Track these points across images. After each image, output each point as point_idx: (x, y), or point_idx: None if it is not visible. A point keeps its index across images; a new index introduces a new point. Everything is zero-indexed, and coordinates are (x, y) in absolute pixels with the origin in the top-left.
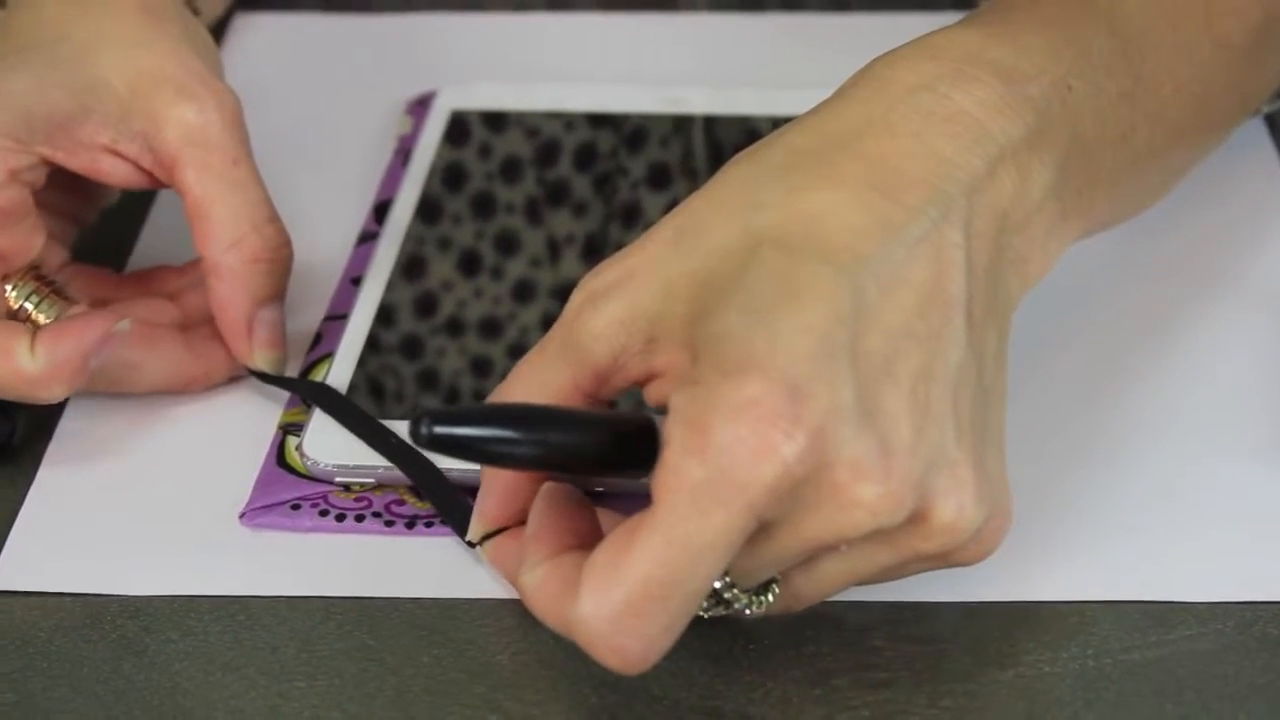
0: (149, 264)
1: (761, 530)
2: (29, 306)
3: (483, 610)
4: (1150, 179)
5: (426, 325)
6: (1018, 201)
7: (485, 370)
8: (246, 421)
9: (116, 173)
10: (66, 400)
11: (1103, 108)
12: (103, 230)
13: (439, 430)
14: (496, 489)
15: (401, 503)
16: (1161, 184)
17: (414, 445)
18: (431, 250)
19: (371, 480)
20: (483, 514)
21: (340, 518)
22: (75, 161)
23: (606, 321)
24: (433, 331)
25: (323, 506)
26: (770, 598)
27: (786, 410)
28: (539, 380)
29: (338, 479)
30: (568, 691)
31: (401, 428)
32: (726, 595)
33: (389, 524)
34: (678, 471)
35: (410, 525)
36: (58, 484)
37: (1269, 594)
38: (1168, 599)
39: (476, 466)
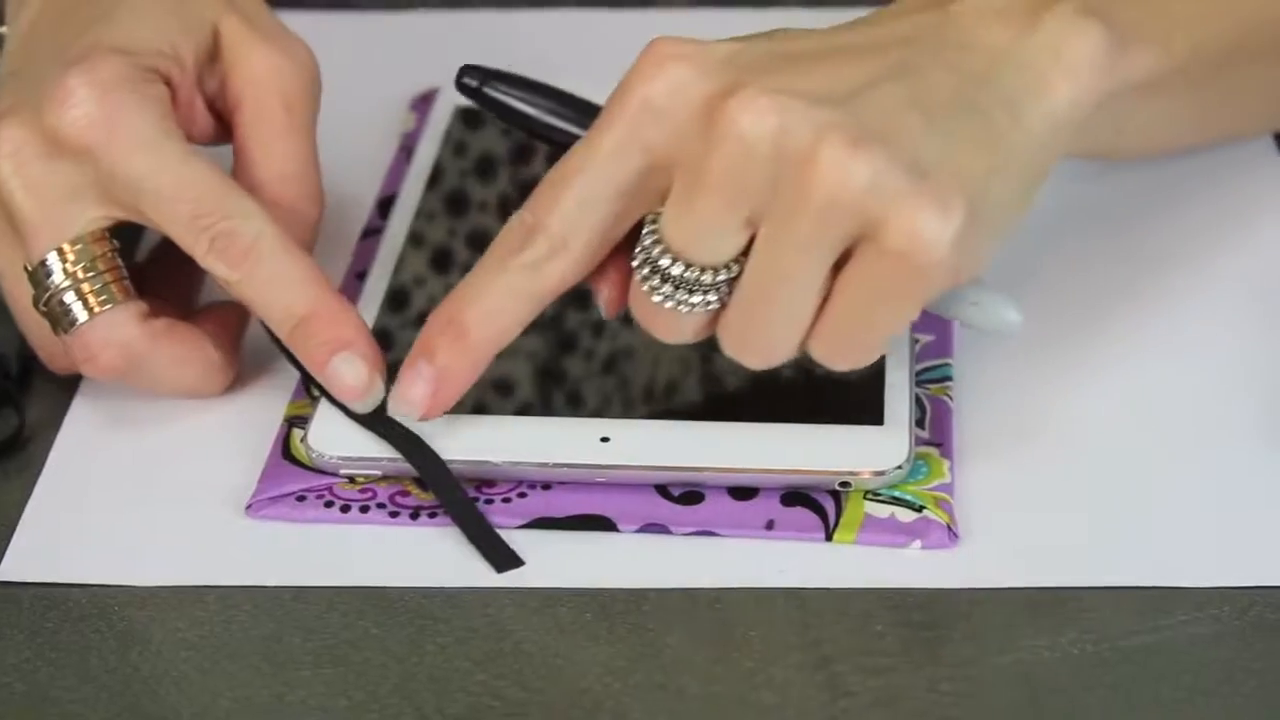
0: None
1: (665, 176)
2: (81, 277)
3: (486, 599)
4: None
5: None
6: None
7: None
8: (252, 414)
9: (200, 119)
10: (74, 394)
11: None
12: None
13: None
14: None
15: (406, 494)
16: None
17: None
18: (434, 245)
19: (376, 472)
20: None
21: (345, 509)
22: (180, 96)
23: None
24: None
25: (328, 498)
26: (713, 298)
27: (687, 50)
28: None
29: (343, 471)
30: (570, 679)
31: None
32: (662, 261)
33: (393, 515)
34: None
35: (414, 516)
36: (65, 477)
37: (1265, 579)
38: (1165, 584)
39: (480, 457)
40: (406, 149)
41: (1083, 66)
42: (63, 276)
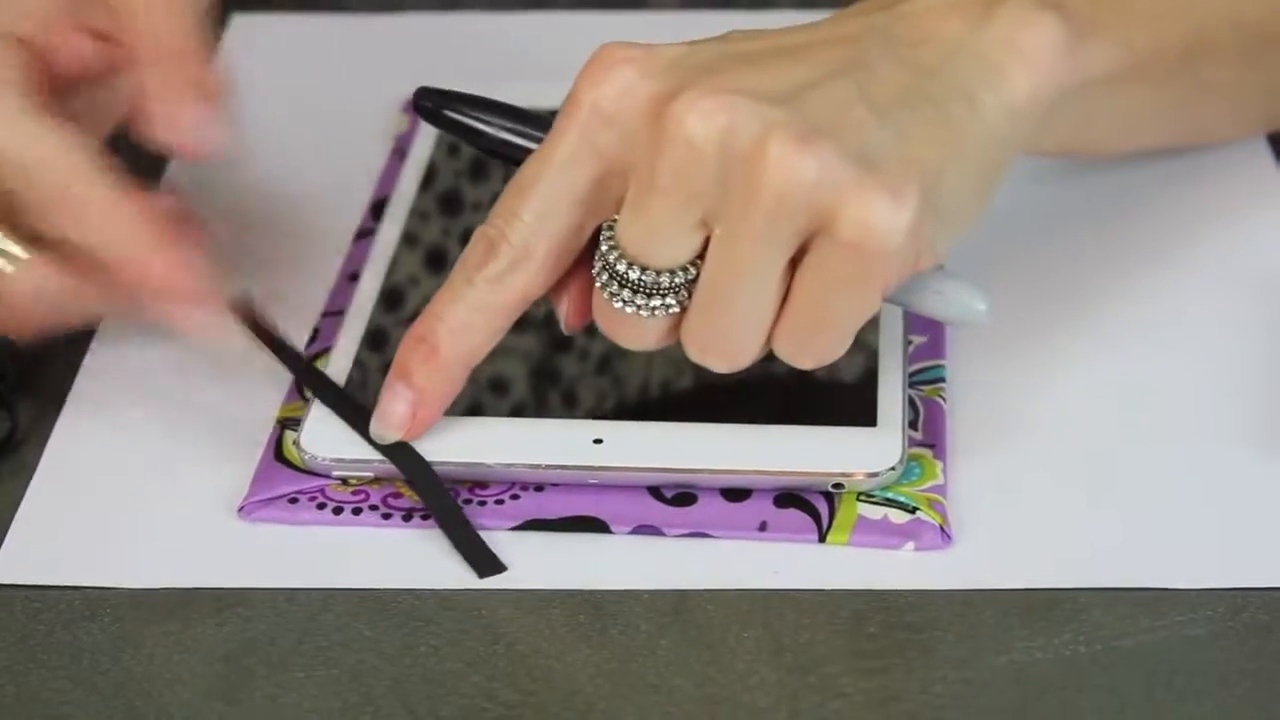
0: None
1: (621, 181)
2: None
3: (479, 601)
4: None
5: None
6: None
7: (478, 366)
8: (245, 416)
9: (85, 52)
10: (67, 395)
11: None
12: None
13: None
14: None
15: (399, 496)
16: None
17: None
18: (428, 246)
19: (369, 474)
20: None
21: (338, 511)
22: (53, 45)
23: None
24: None
25: (320, 500)
26: (672, 301)
27: (633, 53)
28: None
29: (335, 473)
30: (563, 681)
31: None
32: (619, 266)
33: (386, 517)
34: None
35: (407, 518)
36: (58, 478)
37: (1259, 580)
38: (1159, 585)
39: (472, 459)
40: (400, 150)
41: (1039, 56)
42: None
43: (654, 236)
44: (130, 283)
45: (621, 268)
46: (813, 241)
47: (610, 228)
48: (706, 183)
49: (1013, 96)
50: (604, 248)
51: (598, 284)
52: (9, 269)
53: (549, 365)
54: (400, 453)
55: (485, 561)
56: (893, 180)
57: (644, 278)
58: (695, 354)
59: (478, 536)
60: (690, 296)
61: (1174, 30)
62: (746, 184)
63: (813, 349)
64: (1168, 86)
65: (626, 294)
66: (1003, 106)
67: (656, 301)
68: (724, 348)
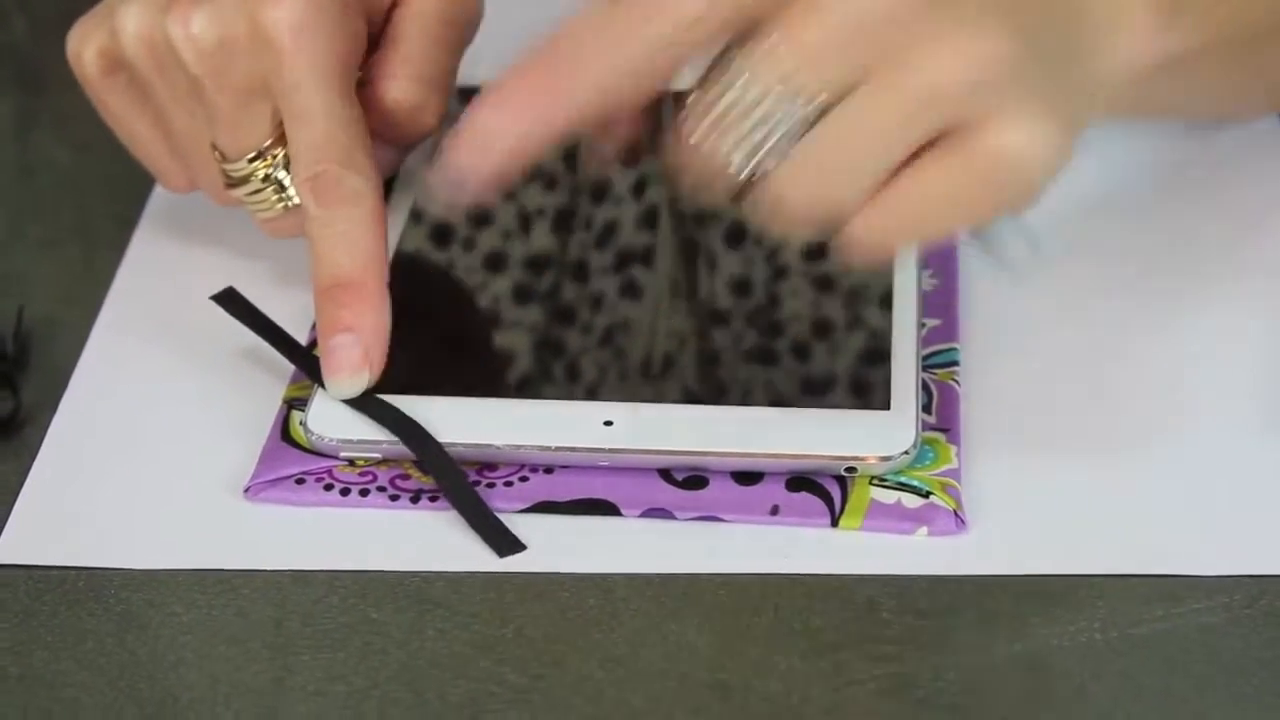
0: (150, 251)
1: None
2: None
3: (487, 584)
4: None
5: (428, 301)
6: None
7: (488, 344)
8: (251, 395)
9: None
10: (71, 374)
11: None
12: (104, 215)
13: None
14: None
15: (406, 477)
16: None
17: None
18: (434, 222)
19: (376, 455)
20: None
21: (345, 492)
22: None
23: None
24: (434, 307)
25: (327, 481)
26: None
27: None
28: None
29: (342, 454)
30: (573, 665)
31: (400, 401)
32: (753, 90)
33: (394, 498)
34: None
35: (415, 499)
36: (62, 458)
37: (1277, 567)
38: (1175, 572)
39: (481, 440)
40: None
41: (1140, 29)
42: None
43: (824, 51)
44: (328, 298)
45: (753, 94)
46: (951, 140)
47: (744, 56)
48: (892, 35)
49: (1115, 65)
50: (731, 71)
51: (712, 113)
52: (278, 208)
53: (558, 346)
54: (410, 433)
55: (504, 541)
56: (1063, 120)
57: (769, 106)
58: (776, 193)
59: (494, 515)
60: (791, 146)
61: (1253, 12)
62: (919, 56)
63: (885, 242)
64: (1232, 68)
65: (745, 123)
66: (1113, 70)
67: (759, 134)
68: (810, 193)
